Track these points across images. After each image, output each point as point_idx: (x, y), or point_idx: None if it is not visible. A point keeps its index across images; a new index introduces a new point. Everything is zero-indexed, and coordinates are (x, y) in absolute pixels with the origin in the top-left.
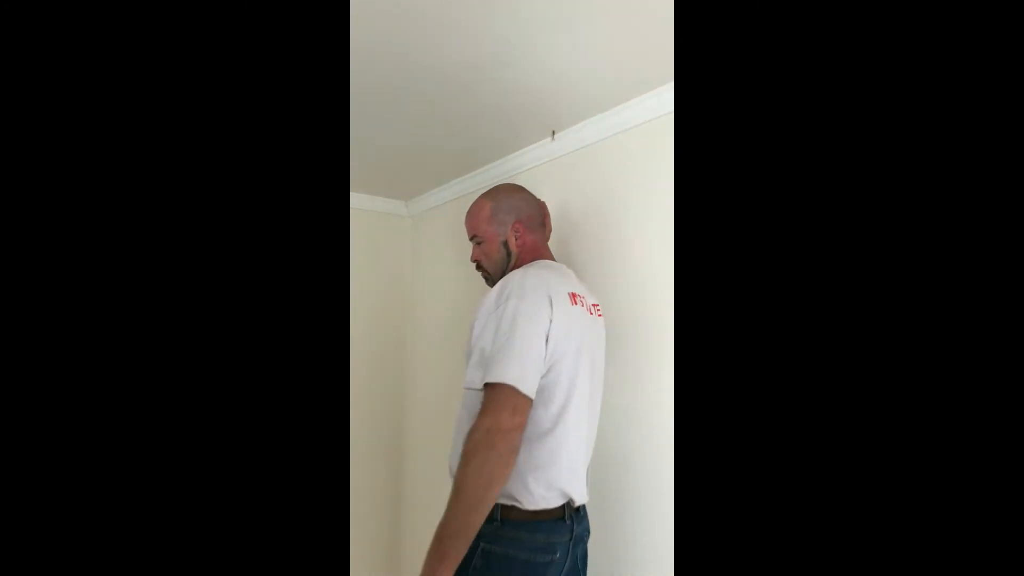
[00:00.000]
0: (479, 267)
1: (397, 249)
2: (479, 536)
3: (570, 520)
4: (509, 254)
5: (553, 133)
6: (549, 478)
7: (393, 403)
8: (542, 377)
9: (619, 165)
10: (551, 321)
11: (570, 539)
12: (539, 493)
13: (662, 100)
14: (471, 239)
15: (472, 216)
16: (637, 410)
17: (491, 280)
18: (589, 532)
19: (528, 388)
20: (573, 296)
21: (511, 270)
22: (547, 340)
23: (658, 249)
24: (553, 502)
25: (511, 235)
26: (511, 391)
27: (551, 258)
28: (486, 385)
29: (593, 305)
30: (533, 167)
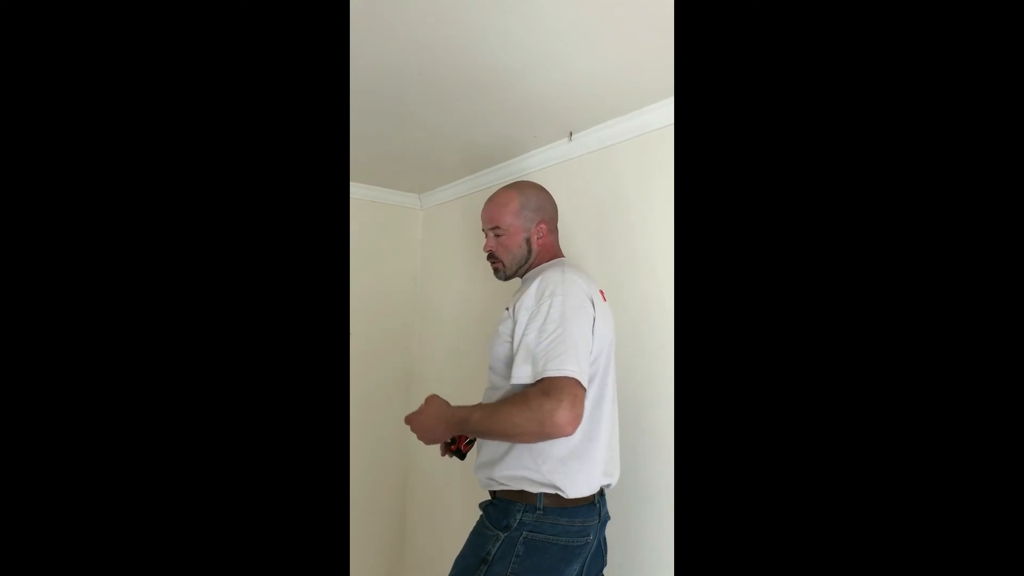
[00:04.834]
0: (492, 257)
1: (409, 241)
2: (521, 525)
3: (598, 504)
4: (530, 251)
5: (571, 134)
6: (590, 467)
7: (400, 397)
8: None
9: (634, 168)
10: (594, 319)
11: (598, 521)
12: (582, 481)
13: None
14: (490, 229)
15: (497, 207)
16: (647, 401)
17: (503, 272)
18: (609, 515)
19: (585, 380)
20: (602, 294)
21: (530, 267)
22: (592, 336)
23: (669, 250)
24: (592, 489)
25: (535, 233)
26: (572, 383)
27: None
28: (544, 378)
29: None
30: (548, 166)
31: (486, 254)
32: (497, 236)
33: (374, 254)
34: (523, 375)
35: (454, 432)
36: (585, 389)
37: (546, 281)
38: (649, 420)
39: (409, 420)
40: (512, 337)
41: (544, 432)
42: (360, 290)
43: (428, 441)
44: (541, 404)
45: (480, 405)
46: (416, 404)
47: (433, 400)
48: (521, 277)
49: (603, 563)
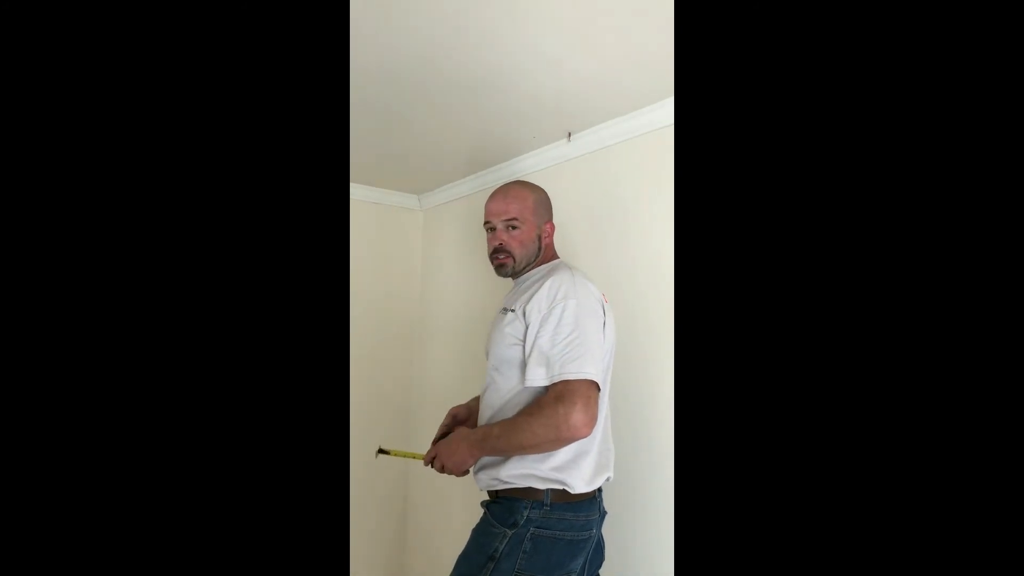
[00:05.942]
0: (502, 251)
1: (409, 242)
2: (528, 522)
3: (598, 498)
4: (539, 248)
5: (569, 135)
6: (595, 462)
7: (401, 399)
8: None
9: (633, 168)
10: (604, 324)
11: (598, 515)
12: (588, 476)
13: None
14: (504, 222)
15: (514, 200)
16: (646, 401)
17: (510, 268)
18: (606, 511)
19: (601, 381)
20: (604, 297)
21: (536, 264)
22: (603, 338)
23: (667, 251)
24: (596, 484)
25: (544, 232)
26: (586, 385)
27: None
28: (557, 383)
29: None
30: (547, 167)
31: (492, 248)
32: (512, 229)
33: (374, 255)
34: (537, 377)
35: (475, 452)
36: (600, 390)
37: (557, 283)
38: (648, 420)
39: (437, 449)
40: (523, 340)
41: (561, 437)
42: (360, 292)
43: (458, 467)
44: (555, 410)
45: (498, 422)
46: (415, 405)
47: (455, 429)
48: (518, 277)
49: (601, 560)
